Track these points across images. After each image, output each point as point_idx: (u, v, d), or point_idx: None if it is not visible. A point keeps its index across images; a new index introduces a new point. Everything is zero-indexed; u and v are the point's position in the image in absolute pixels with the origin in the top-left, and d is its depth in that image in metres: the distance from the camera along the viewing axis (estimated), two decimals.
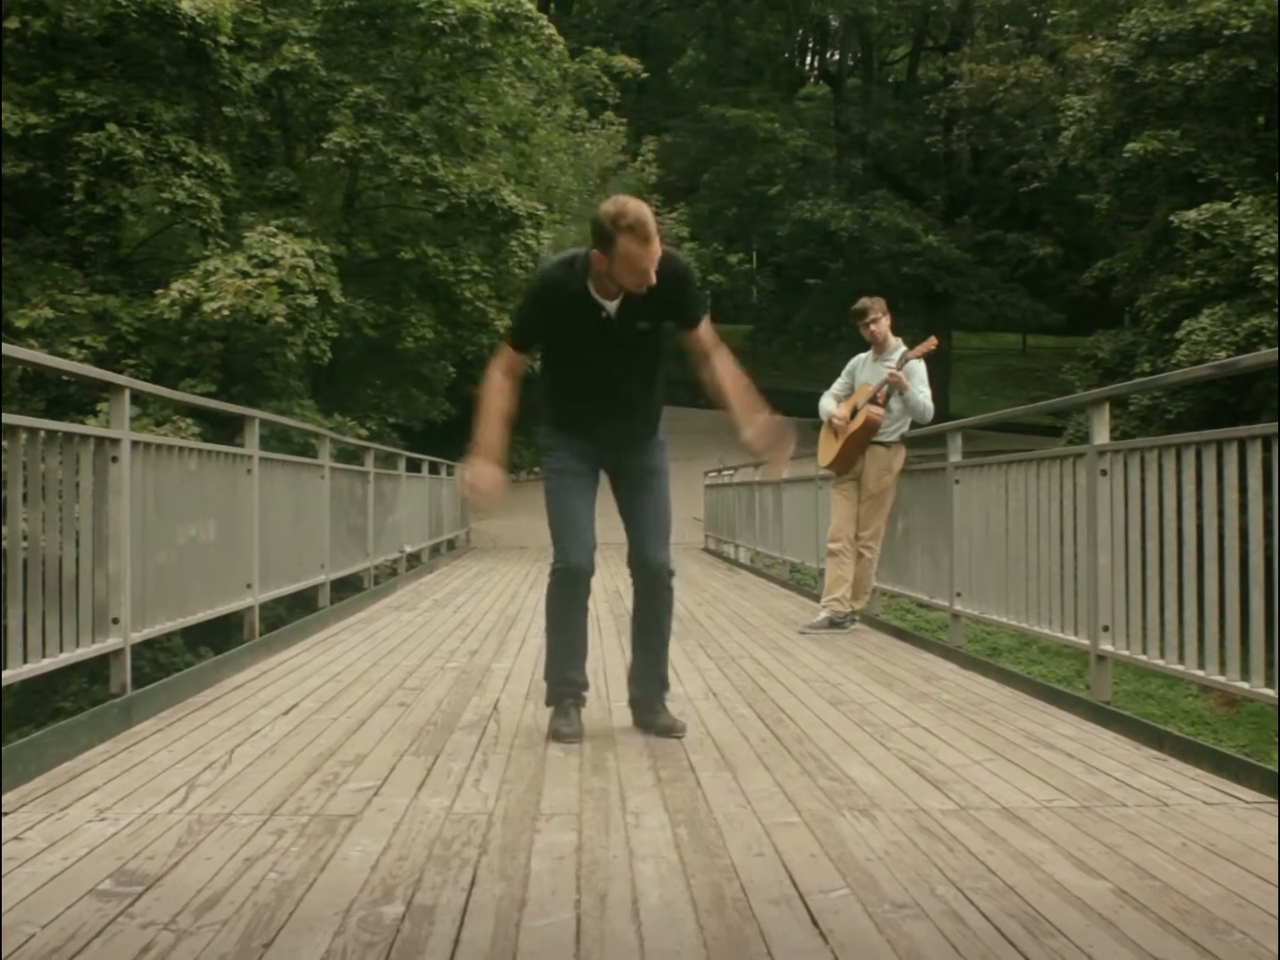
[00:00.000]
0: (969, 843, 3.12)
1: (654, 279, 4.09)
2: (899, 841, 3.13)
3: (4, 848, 3.04)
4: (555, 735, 4.43)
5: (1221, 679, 4.18)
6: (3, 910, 2.59)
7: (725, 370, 4.43)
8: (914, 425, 7.86)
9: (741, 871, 2.87)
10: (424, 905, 2.63)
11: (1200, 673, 4.33)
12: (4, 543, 3.93)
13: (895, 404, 7.72)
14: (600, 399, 4.43)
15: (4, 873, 2.85)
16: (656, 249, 4.07)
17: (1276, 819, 3.37)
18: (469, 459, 4.38)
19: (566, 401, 4.53)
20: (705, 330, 4.43)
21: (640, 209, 4.07)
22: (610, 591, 10.38)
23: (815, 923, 2.53)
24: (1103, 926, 2.53)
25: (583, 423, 4.48)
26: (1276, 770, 3.68)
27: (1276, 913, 2.61)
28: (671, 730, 4.51)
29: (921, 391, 7.64)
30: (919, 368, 7.72)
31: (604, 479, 4.59)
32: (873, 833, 3.21)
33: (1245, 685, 4.03)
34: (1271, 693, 3.86)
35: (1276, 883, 2.80)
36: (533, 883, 2.79)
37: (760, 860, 2.97)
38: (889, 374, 7.61)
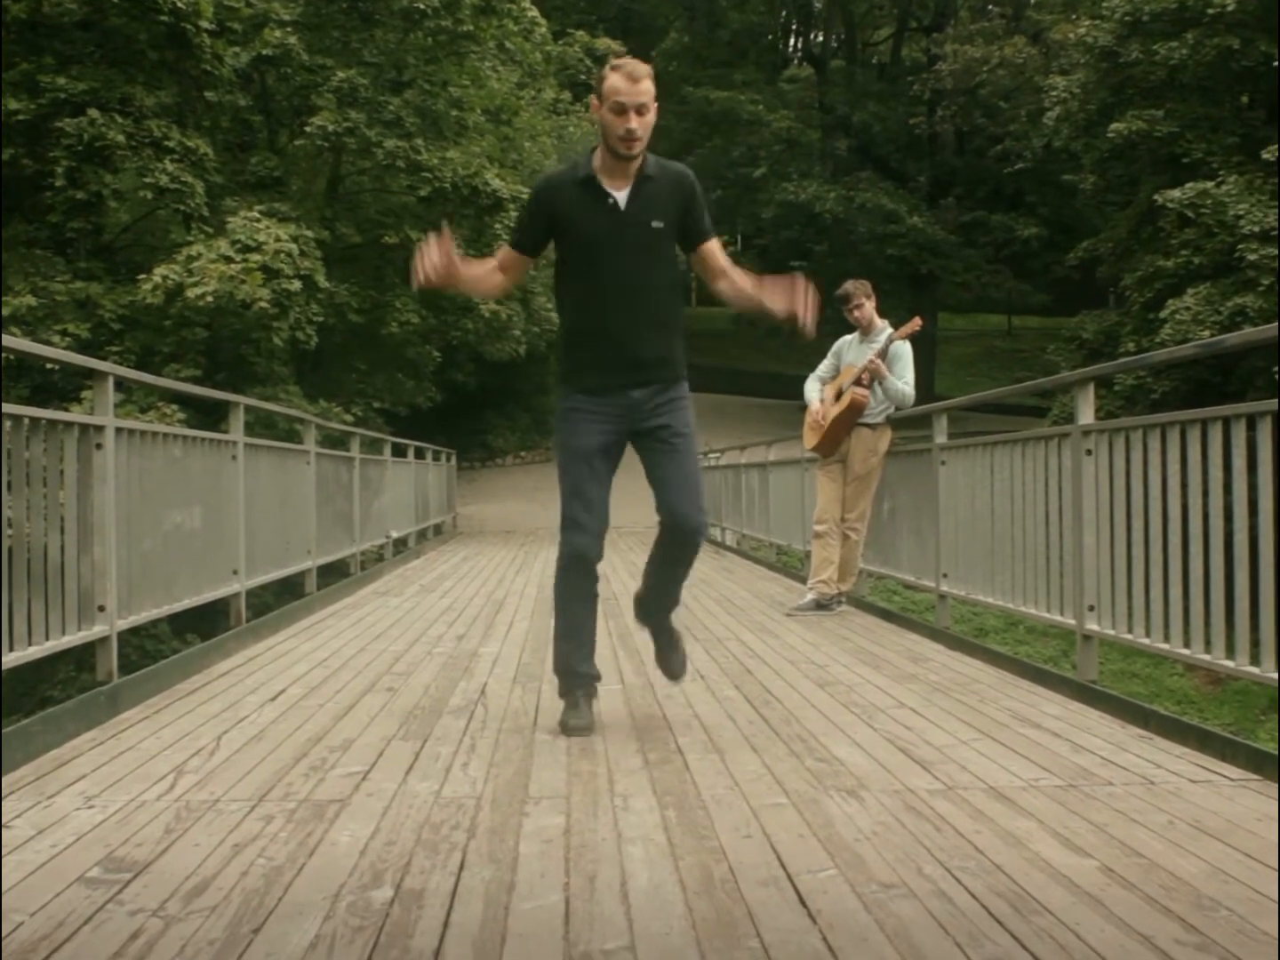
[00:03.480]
0: (956, 822, 3.13)
1: (640, 135, 4.02)
2: (886, 822, 3.14)
3: None
4: (564, 728, 4.29)
5: (1206, 657, 4.19)
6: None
7: (743, 276, 4.32)
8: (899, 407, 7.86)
9: (730, 853, 2.88)
10: (413, 889, 2.63)
11: (1185, 651, 4.35)
12: None
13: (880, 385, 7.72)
14: (616, 316, 4.17)
15: None
16: (645, 95, 4.02)
17: (1277, 799, 3.38)
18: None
19: (583, 328, 4.28)
20: (718, 248, 4.34)
21: (635, 60, 4.12)
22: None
23: (804, 903, 2.54)
24: (1089, 904, 2.54)
25: (600, 354, 4.23)
26: (1267, 749, 3.70)
27: (1268, 891, 2.62)
28: (674, 675, 4.60)
29: (903, 378, 7.62)
30: (905, 350, 7.71)
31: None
32: (860, 813, 3.22)
33: (1230, 663, 4.05)
34: (1256, 670, 3.88)
35: (1277, 864, 2.81)
36: (521, 866, 2.79)
37: (749, 841, 2.97)
38: (869, 361, 7.60)
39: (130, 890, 2.64)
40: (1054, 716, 4.59)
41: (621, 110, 4.00)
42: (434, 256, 4.05)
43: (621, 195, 4.14)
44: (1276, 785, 3.52)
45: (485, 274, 4.38)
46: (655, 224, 4.15)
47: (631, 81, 4.00)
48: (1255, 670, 3.89)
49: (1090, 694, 4.87)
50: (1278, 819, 3.17)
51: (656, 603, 4.54)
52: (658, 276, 4.24)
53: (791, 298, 4.17)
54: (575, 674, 4.38)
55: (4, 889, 2.66)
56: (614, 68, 4.07)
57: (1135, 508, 4.67)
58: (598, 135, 4.19)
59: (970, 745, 4.08)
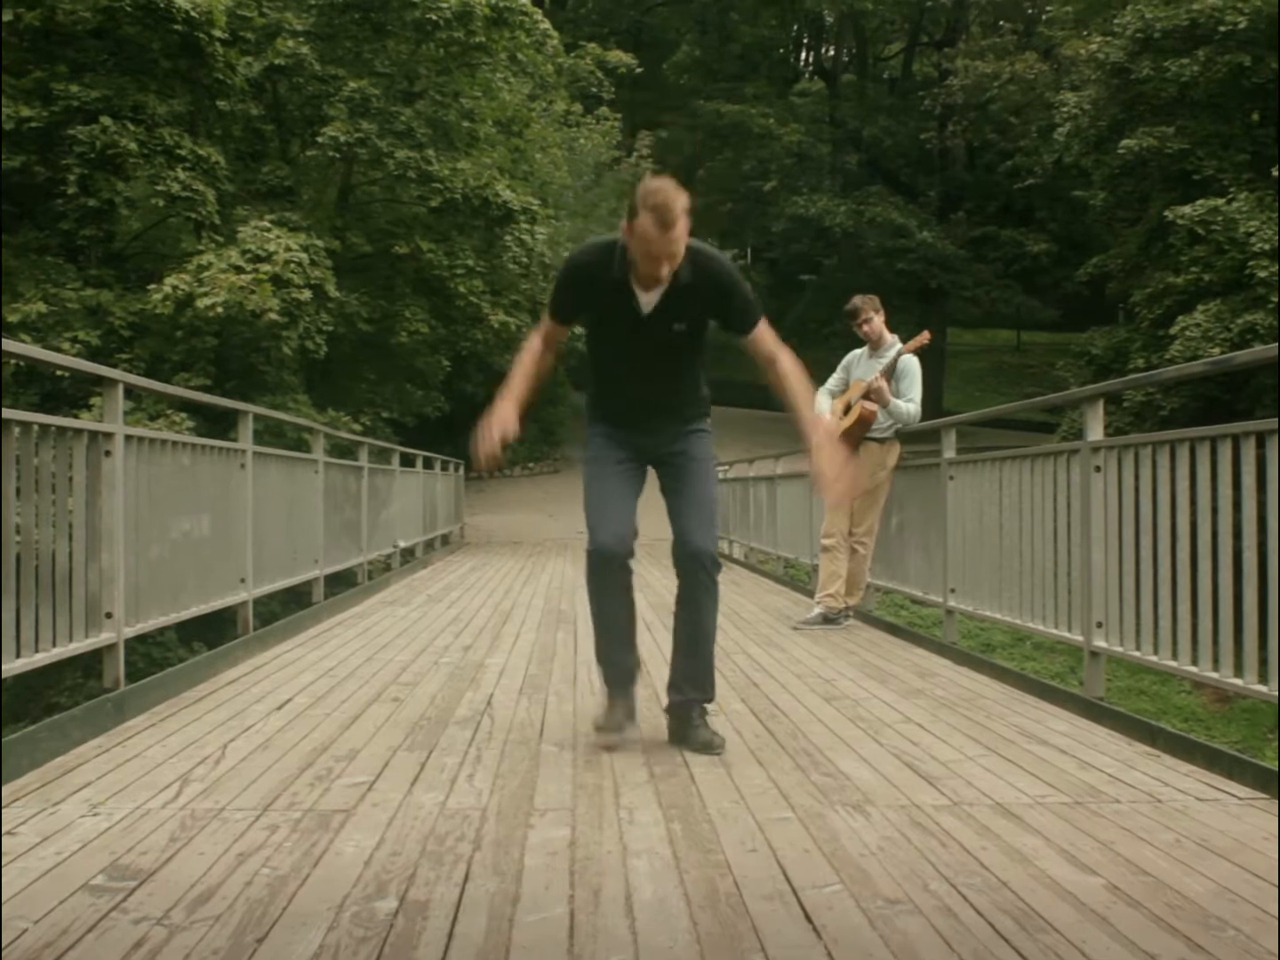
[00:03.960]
0: (962, 838, 3.12)
1: (667, 274, 3.89)
2: (892, 837, 3.13)
3: None
4: (600, 740, 4.33)
5: (1215, 675, 4.18)
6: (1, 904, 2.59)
7: (792, 380, 4.15)
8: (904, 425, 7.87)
9: (735, 867, 2.87)
10: (418, 900, 2.63)
11: (1194, 669, 4.33)
12: None
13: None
14: (636, 395, 4.28)
15: None
16: (675, 241, 3.82)
17: (1276, 816, 3.38)
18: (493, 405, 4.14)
19: (605, 392, 4.41)
20: (764, 334, 4.15)
21: (672, 195, 3.80)
22: None
23: (809, 918, 2.53)
24: (1095, 922, 2.53)
25: (621, 414, 4.36)
26: (1274, 768, 3.69)
27: (1274, 911, 2.61)
28: (710, 747, 4.20)
29: (908, 394, 7.63)
30: (913, 366, 7.71)
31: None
32: (866, 828, 3.21)
33: (1239, 681, 4.04)
34: (1264, 688, 3.87)
35: (1277, 881, 2.80)
36: (526, 878, 2.79)
37: (754, 856, 2.97)
38: (873, 380, 7.59)
39: (135, 898, 2.64)
40: (1061, 733, 4.58)
41: (652, 258, 3.86)
42: (493, 442, 4.02)
43: (649, 300, 4.03)
44: (1278, 803, 3.52)
45: (536, 368, 4.30)
46: (677, 327, 4.06)
47: (663, 230, 3.80)
48: (1263, 689, 3.87)
49: (1098, 711, 4.86)
50: (1278, 837, 3.17)
51: (680, 673, 4.38)
52: (678, 366, 4.26)
53: (837, 476, 4.03)
54: (613, 664, 4.40)
55: (8, 896, 2.66)
56: (647, 207, 3.80)
57: (1144, 524, 4.67)
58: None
59: (977, 761, 4.07)
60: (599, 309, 4.17)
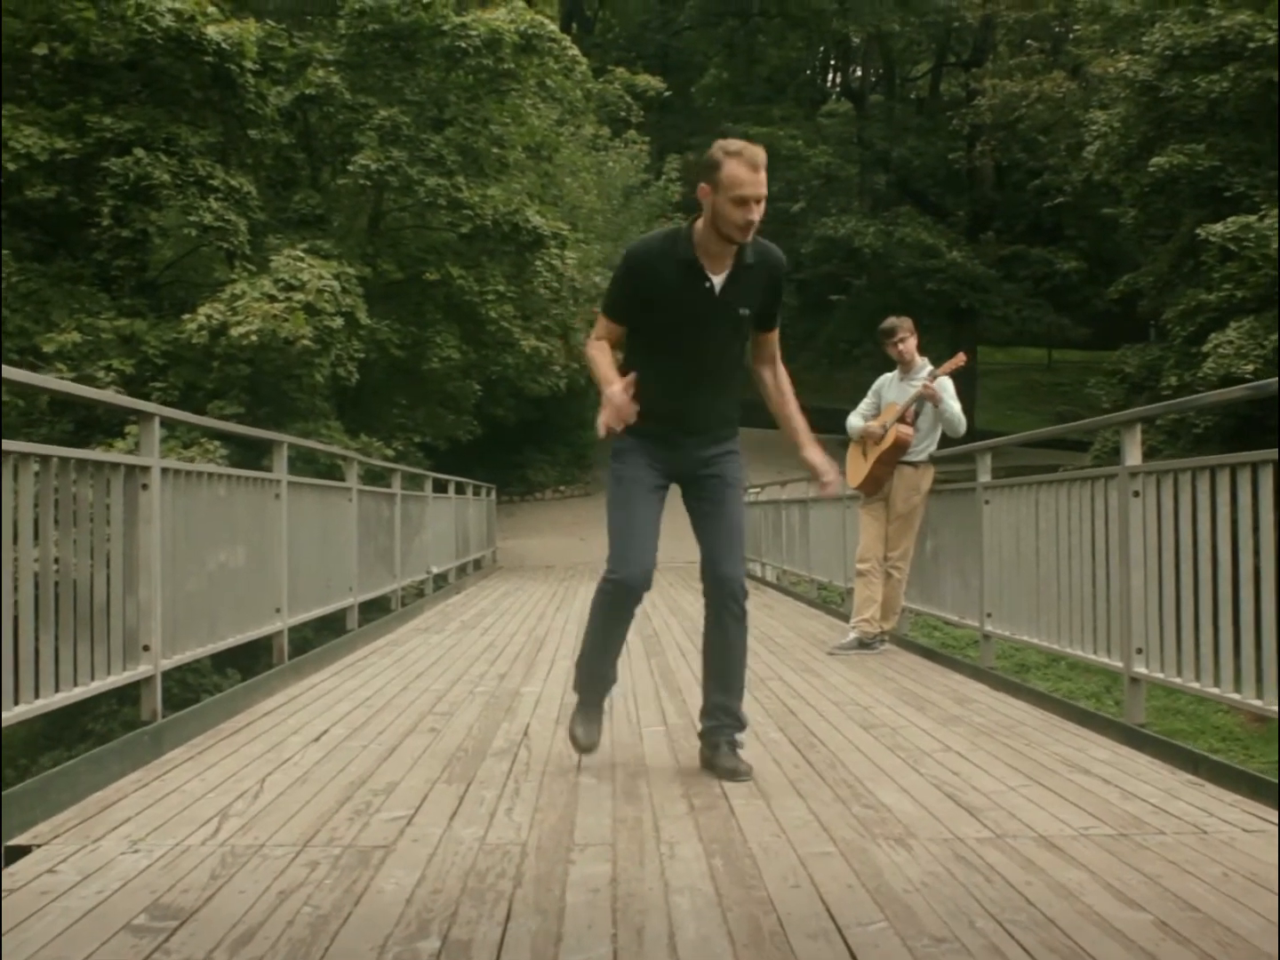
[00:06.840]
0: (1006, 873, 3.09)
1: (756, 220, 4.00)
2: (936, 872, 3.10)
3: (38, 881, 3.05)
4: (571, 739, 4.43)
5: (1258, 703, 4.13)
6: (28, 947, 2.59)
7: (787, 384, 4.49)
8: (942, 445, 7.84)
9: (778, 904, 2.84)
10: (460, 940, 2.61)
11: (1236, 696, 4.29)
12: (34, 568, 3.93)
13: (924, 422, 7.70)
14: (686, 386, 4.24)
15: (39, 908, 2.85)
16: (764, 184, 4.01)
17: (1278, 835, 3.36)
18: (604, 393, 4.21)
19: (650, 390, 4.23)
20: (775, 337, 4.46)
21: (752, 146, 4.05)
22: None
23: (854, 957, 2.50)
24: None
25: (662, 416, 4.25)
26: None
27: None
28: (735, 774, 4.25)
29: (954, 403, 7.66)
30: (947, 384, 7.71)
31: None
32: (909, 863, 3.18)
33: None
34: None
35: (1277, 901, 2.77)
36: (568, 916, 2.77)
37: (797, 892, 2.94)
38: (923, 386, 7.60)
39: (177, 939, 2.64)
40: (1103, 761, 4.54)
41: (744, 202, 3.97)
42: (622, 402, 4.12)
43: (719, 279, 4.15)
44: (1277, 818, 3.50)
45: (610, 359, 4.39)
46: (743, 311, 4.21)
47: (754, 170, 3.97)
48: None
49: (1139, 738, 4.81)
50: (1278, 853, 3.14)
51: (711, 701, 4.40)
52: (732, 355, 4.33)
53: (821, 473, 4.43)
54: (597, 675, 4.46)
55: (52, 936, 2.66)
56: (730, 154, 4.00)
57: (1184, 549, 4.63)
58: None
59: (1018, 791, 4.03)
60: (665, 297, 4.15)
